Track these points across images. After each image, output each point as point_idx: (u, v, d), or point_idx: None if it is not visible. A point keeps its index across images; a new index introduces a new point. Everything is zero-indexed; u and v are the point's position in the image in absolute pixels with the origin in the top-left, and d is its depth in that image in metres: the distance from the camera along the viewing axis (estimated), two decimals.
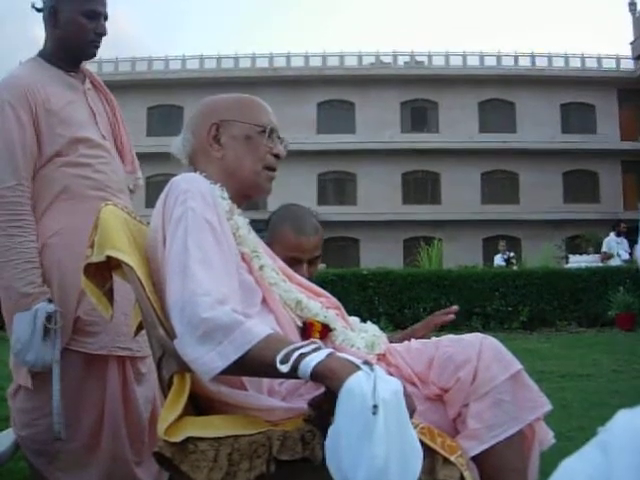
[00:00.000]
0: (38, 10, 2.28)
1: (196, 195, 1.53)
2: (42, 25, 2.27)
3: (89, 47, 2.26)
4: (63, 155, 2.17)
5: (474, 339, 1.59)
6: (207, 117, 1.72)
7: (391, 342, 1.76)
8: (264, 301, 1.58)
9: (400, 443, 1.23)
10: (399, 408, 1.25)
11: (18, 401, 2.22)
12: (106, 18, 2.28)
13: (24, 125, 2.11)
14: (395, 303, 10.57)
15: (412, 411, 1.30)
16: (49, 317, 2.04)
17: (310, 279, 2.11)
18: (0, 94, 2.14)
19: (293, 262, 2.15)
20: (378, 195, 30.01)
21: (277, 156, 1.73)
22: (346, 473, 1.21)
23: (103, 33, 2.27)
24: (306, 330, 1.60)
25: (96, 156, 2.24)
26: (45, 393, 2.10)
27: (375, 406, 1.19)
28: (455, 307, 1.98)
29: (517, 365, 1.56)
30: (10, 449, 2.38)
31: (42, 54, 2.29)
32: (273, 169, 1.73)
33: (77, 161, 2.19)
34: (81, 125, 2.22)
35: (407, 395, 1.29)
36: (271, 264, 1.66)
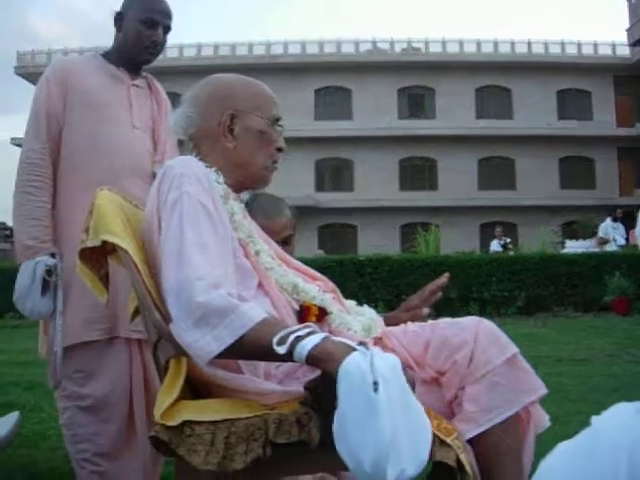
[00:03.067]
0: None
1: (191, 179, 1.52)
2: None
3: (143, 53, 2.40)
4: (76, 128, 2.30)
5: (470, 322, 1.59)
6: (221, 102, 1.68)
7: (387, 324, 1.76)
8: (260, 285, 1.58)
9: (406, 415, 1.23)
10: (399, 381, 1.24)
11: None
12: (167, 29, 2.42)
13: (52, 97, 2.31)
14: (392, 289, 10.60)
15: (413, 384, 1.30)
16: (49, 271, 2.17)
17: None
18: (46, 71, 2.37)
19: None
20: (375, 181, 30.00)
21: (280, 149, 1.73)
22: (356, 453, 1.20)
23: (159, 42, 2.41)
24: (303, 314, 1.60)
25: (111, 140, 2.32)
26: (95, 380, 2.21)
27: (375, 382, 1.19)
28: (446, 275, 1.86)
29: (513, 348, 1.56)
30: (8, 436, 2.38)
31: (104, 53, 2.47)
32: (277, 161, 1.74)
33: (87, 145, 2.29)
34: (106, 107, 2.34)
35: (405, 368, 1.29)
36: (267, 249, 1.65)
